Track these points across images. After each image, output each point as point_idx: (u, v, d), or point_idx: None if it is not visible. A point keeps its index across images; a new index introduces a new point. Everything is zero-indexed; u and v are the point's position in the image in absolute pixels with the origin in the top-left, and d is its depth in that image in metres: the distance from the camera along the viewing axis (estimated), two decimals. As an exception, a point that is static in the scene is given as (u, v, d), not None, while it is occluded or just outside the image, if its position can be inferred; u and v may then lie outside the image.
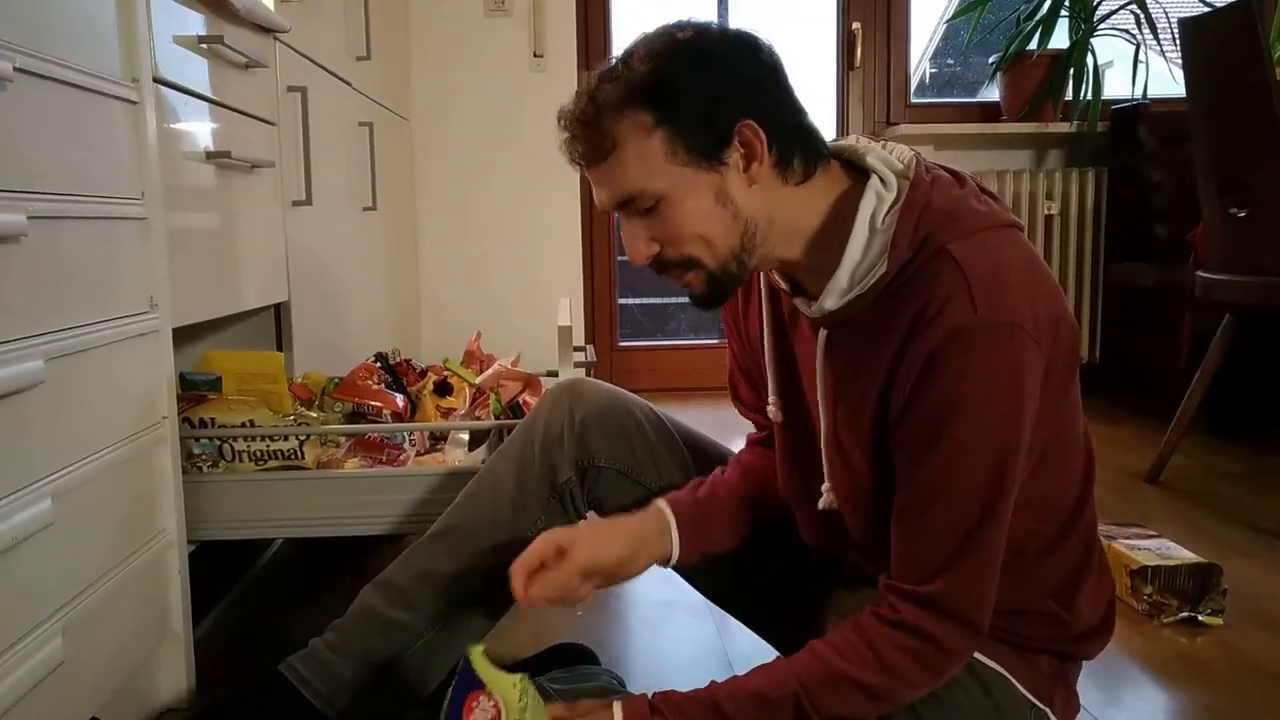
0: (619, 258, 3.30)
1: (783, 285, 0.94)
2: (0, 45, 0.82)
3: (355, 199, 2.07)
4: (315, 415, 1.33)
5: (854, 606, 0.89)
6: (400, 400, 1.42)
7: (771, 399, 1.00)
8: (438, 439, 1.46)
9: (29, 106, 0.86)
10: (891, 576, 0.85)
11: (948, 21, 3.53)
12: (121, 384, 1.04)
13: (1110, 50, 3.07)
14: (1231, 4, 1.94)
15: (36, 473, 0.87)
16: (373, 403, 1.39)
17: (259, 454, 1.25)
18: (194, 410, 1.24)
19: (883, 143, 0.89)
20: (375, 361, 1.51)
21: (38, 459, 0.88)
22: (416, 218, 2.89)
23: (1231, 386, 2.43)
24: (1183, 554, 1.48)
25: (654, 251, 0.87)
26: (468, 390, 1.51)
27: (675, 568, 1.04)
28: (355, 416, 1.38)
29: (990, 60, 3.21)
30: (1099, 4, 3.03)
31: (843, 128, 3.28)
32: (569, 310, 1.43)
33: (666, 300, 3.62)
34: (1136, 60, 2.97)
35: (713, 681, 0.89)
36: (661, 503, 1.02)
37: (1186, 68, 2.11)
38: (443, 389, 1.50)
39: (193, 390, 1.24)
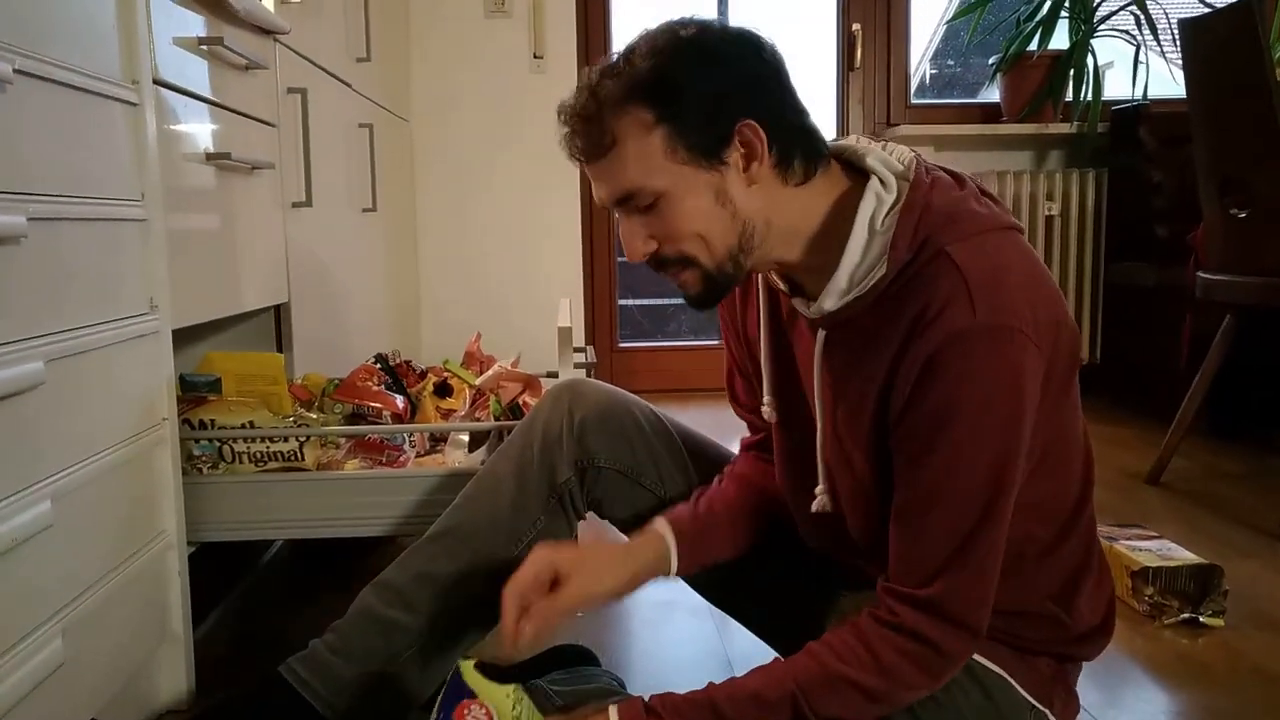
0: (619, 258, 3.30)
1: (781, 286, 0.94)
2: (0, 47, 0.82)
3: (355, 200, 2.07)
4: (315, 416, 1.33)
5: (854, 608, 0.89)
6: (400, 401, 1.42)
7: (766, 399, 1.00)
8: (438, 440, 1.46)
9: (29, 108, 0.86)
10: (889, 579, 0.85)
11: (948, 22, 3.54)
12: (121, 385, 1.04)
13: (1110, 51, 3.08)
14: (1231, 4, 1.94)
15: (36, 474, 0.87)
16: (373, 404, 1.39)
17: (259, 455, 1.25)
18: (194, 412, 1.24)
19: (883, 143, 0.89)
20: (375, 363, 1.51)
21: (38, 461, 0.88)
22: (416, 219, 2.89)
23: (1232, 387, 2.43)
24: (1184, 555, 1.48)
25: (651, 249, 0.87)
26: (468, 391, 1.51)
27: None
28: (355, 418, 1.38)
29: (990, 61, 3.21)
30: (1099, 5, 3.03)
31: (843, 128, 3.28)
32: (569, 311, 1.43)
33: (666, 301, 3.62)
34: (1136, 61, 2.97)
35: (711, 683, 0.89)
36: (660, 522, 1.02)
37: (1186, 68, 2.11)
38: (443, 390, 1.50)
39: (193, 391, 1.24)
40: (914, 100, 3.32)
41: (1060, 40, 3.05)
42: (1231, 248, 2.05)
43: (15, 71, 0.83)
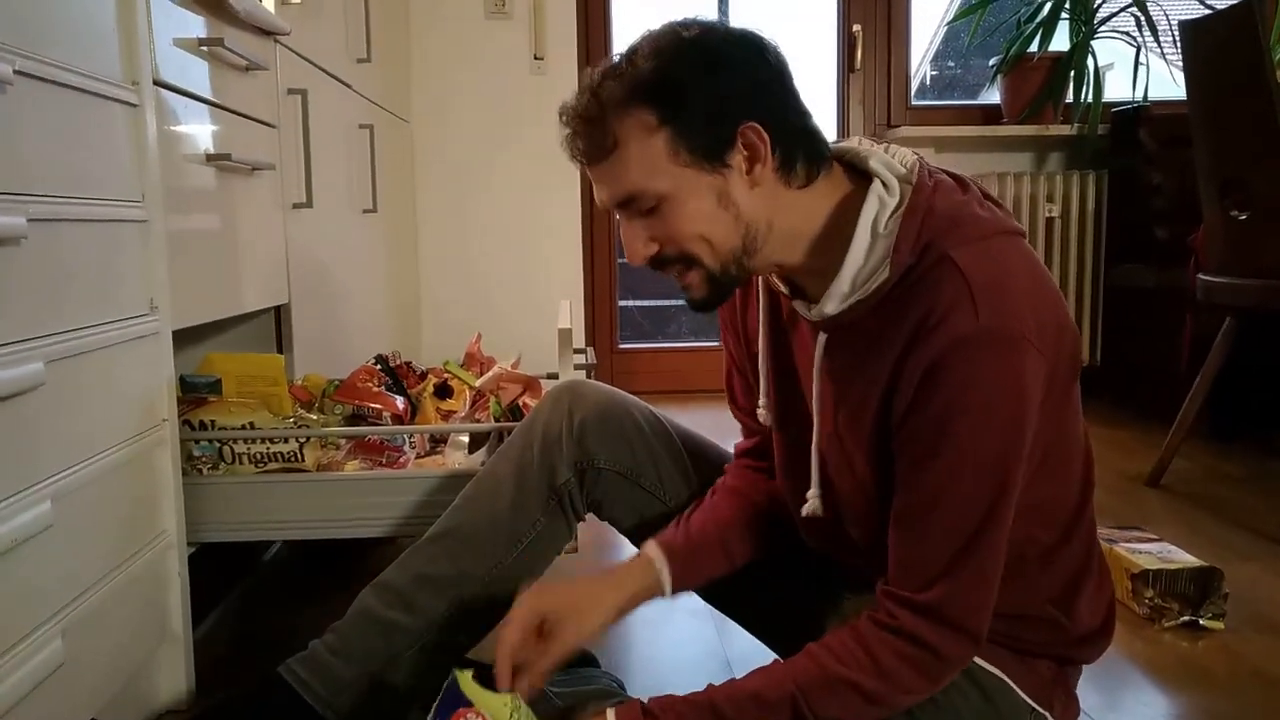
0: (619, 260, 3.30)
1: (781, 288, 0.94)
2: (1, 48, 0.82)
3: (355, 201, 2.07)
4: (315, 417, 1.33)
5: (855, 611, 0.89)
6: (400, 402, 1.42)
7: (762, 401, 1.00)
8: (438, 441, 1.46)
9: (29, 109, 0.87)
10: (889, 582, 0.85)
11: (948, 24, 3.54)
12: (122, 386, 1.04)
13: (1111, 53, 3.08)
14: (1232, 6, 1.94)
15: (37, 475, 0.87)
16: (373, 405, 1.39)
17: (259, 456, 1.25)
18: (194, 412, 1.24)
19: (885, 145, 0.89)
20: (375, 364, 1.51)
21: (38, 461, 0.88)
22: (417, 220, 2.89)
23: (1232, 389, 2.42)
24: (1184, 558, 1.48)
25: (652, 251, 0.87)
26: (468, 392, 1.51)
27: None
28: (355, 419, 1.38)
29: (991, 63, 3.21)
30: (1099, 6, 3.03)
31: (843, 130, 3.28)
32: (569, 312, 1.43)
33: (667, 302, 3.62)
34: (1137, 62, 2.97)
35: (710, 685, 0.89)
36: (651, 545, 1.02)
37: (1187, 70, 2.11)
38: (443, 391, 1.50)
39: (193, 392, 1.24)
40: (914, 102, 3.32)
41: (1061, 42, 3.05)
42: (1232, 249, 2.05)
43: (15, 72, 0.83)
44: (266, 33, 1.49)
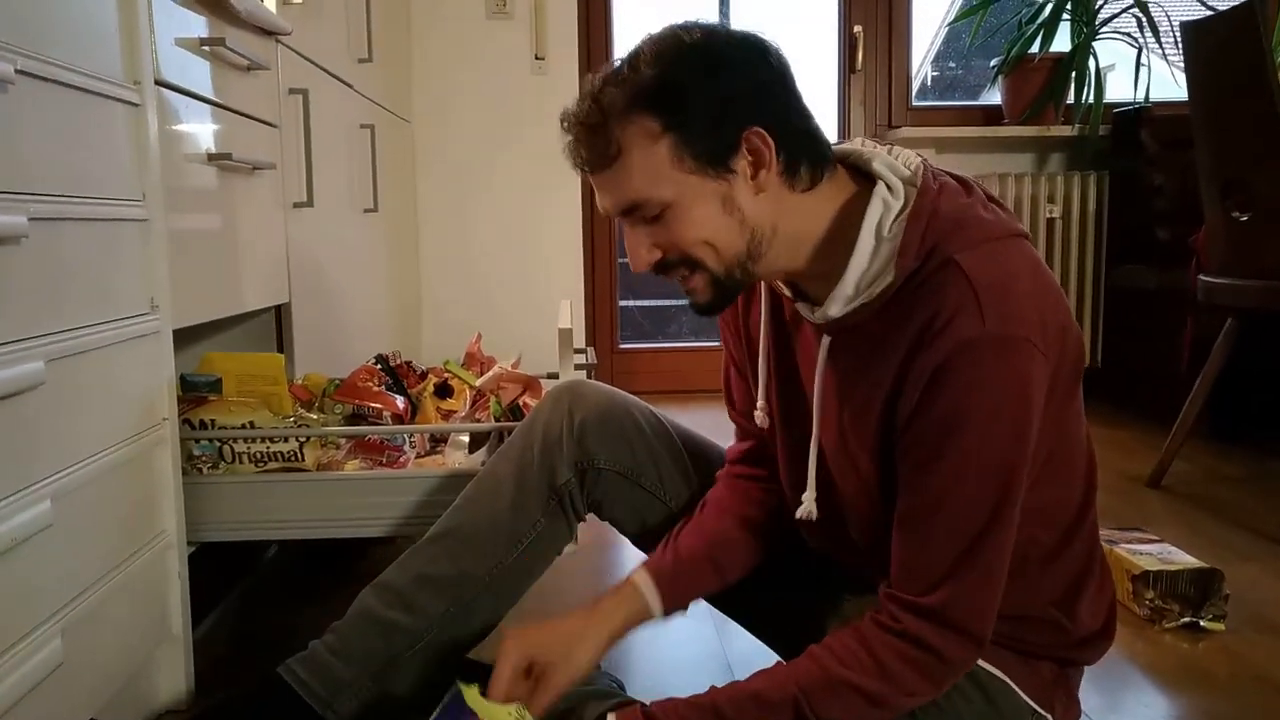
0: (620, 259, 3.30)
1: (784, 290, 0.93)
2: (2, 48, 0.82)
3: (356, 201, 2.07)
4: (315, 417, 1.33)
5: (857, 612, 0.89)
6: (400, 402, 1.42)
7: (760, 404, 1.00)
8: (438, 441, 1.46)
9: (30, 108, 0.86)
10: (892, 585, 0.85)
11: (949, 24, 3.53)
12: (122, 385, 1.04)
13: (1112, 53, 3.07)
14: (1233, 7, 1.94)
15: (36, 474, 0.87)
16: (373, 404, 1.38)
17: (259, 456, 1.25)
18: (194, 412, 1.24)
19: (888, 147, 0.89)
20: (376, 363, 1.51)
21: (38, 460, 0.88)
22: (418, 219, 2.89)
23: (1233, 391, 2.42)
24: (1184, 559, 1.48)
25: (656, 258, 0.86)
26: (468, 392, 1.51)
27: None
28: (355, 418, 1.38)
29: (992, 63, 3.21)
30: (1101, 7, 3.03)
31: (844, 131, 3.28)
32: (569, 312, 1.43)
33: (667, 302, 3.62)
34: (1138, 63, 2.97)
35: (713, 686, 0.89)
36: (639, 571, 1.02)
37: (1188, 71, 2.11)
38: (443, 391, 1.50)
39: (193, 392, 1.24)
40: (915, 102, 3.32)
41: (1062, 43, 3.05)
42: (1233, 251, 2.05)
43: (17, 72, 0.83)
44: (268, 32, 1.49)
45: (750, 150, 0.82)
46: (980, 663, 0.89)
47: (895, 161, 0.86)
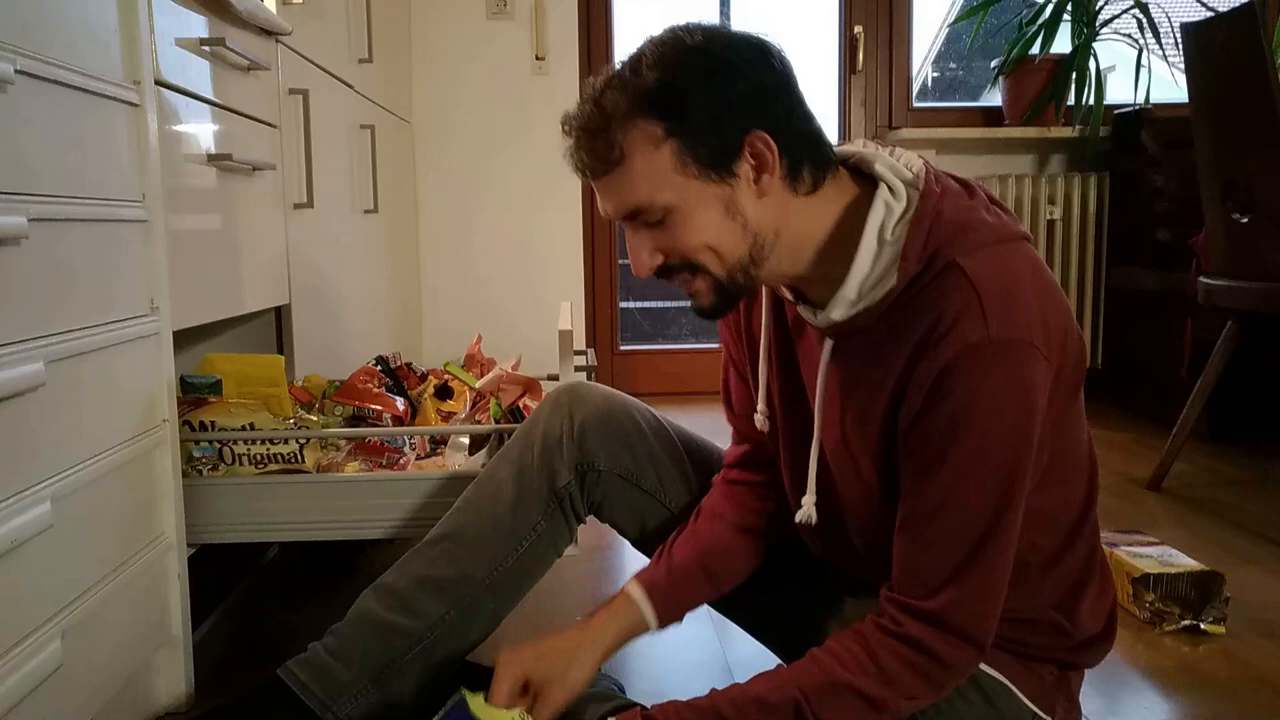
0: (620, 261, 3.30)
1: (786, 294, 0.93)
2: (2, 48, 0.82)
3: (356, 202, 2.07)
4: (315, 419, 1.33)
5: (857, 616, 0.89)
6: (401, 404, 1.41)
7: (760, 408, 0.99)
8: (438, 443, 1.46)
9: (30, 109, 0.86)
10: (894, 588, 0.85)
11: (950, 25, 3.53)
12: (122, 387, 1.04)
13: (1112, 55, 3.07)
14: (1234, 9, 1.94)
15: (36, 476, 0.87)
16: (373, 406, 1.38)
17: (259, 457, 1.25)
18: (194, 413, 1.24)
19: (889, 149, 0.88)
20: (376, 365, 1.51)
21: (37, 462, 0.87)
22: (418, 220, 2.89)
23: (1234, 393, 2.42)
24: (1185, 561, 1.48)
25: (658, 262, 0.86)
26: (468, 394, 1.51)
27: None
28: (355, 420, 1.38)
29: (992, 64, 3.21)
30: (1101, 8, 3.03)
31: (844, 131, 3.28)
32: (569, 314, 1.43)
33: (668, 304, 3.62)
34: (1139, 65, 2.97)
35: (713, 689, 0.89)
36: (632, 584, 1.02)
37: (1189, 72, 2.11)
38: (443, 393, 1.49)
39: (193, 393, 1.24)
40: (916, 103, 3.32)
41: (1062, 44, 3.05)
42: (1233, 252, 2.05)
43: (16, 72, 0.83)
44: (268, 33, 1.49)
45: (753, 154, 0.82)
46: (981, 665, 0.89)
47: (897, 163, 0.86)
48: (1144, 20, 2.97)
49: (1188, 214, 2.44)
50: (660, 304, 3.60)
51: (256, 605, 1.54)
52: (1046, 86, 3.06)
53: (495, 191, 2.91)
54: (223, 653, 1.35)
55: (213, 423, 1.24)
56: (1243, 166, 2.00)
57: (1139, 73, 2.97)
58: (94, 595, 0.97)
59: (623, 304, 3.39)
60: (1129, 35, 3.02)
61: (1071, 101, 3.06)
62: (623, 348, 3.39)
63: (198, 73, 1.25)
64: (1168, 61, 2.97)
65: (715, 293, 0.87)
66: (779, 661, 1.05)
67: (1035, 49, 3.03)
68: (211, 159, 1.28)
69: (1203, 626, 1.41)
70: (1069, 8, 3.02)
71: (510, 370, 1.60)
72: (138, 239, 1.08)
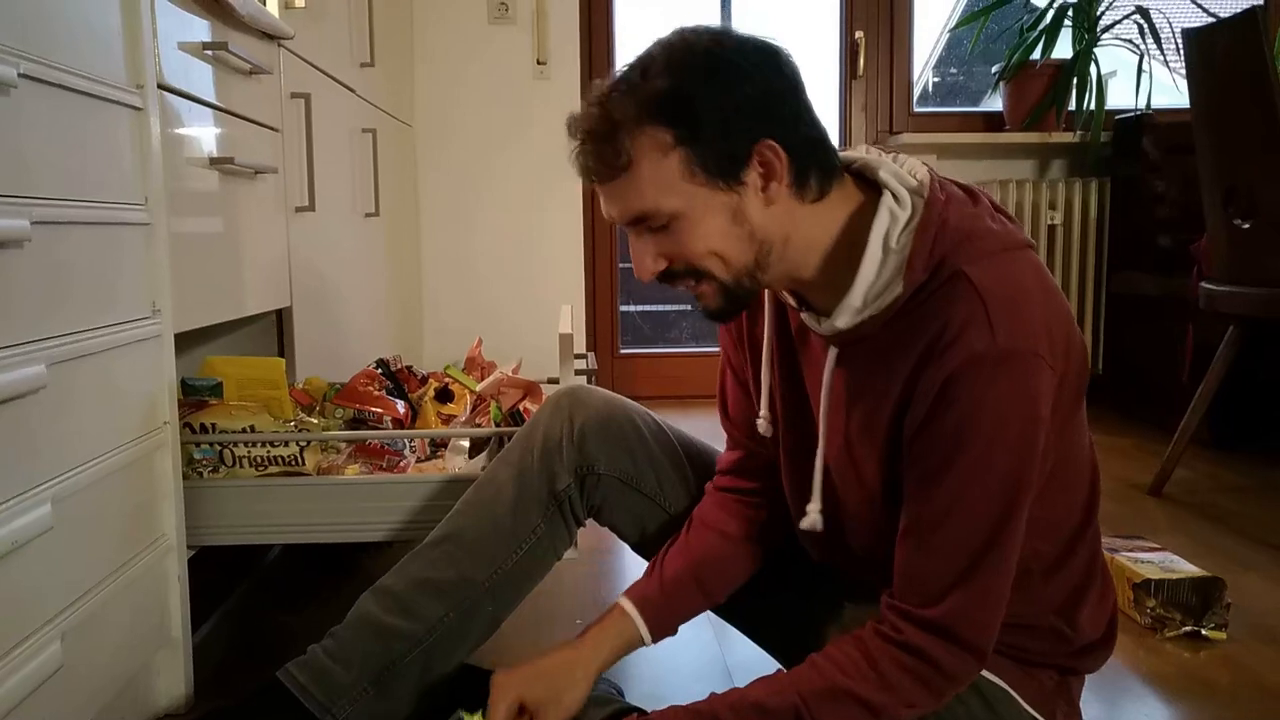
0: (620, 265, 3.31)
1: (789, 300, 0.93)
2: (5, 51, 0.82)
3: (358, 205, 2.07)
4: (316, 421, 1.33)
5: (857, 621, 0.89)
6: (401, 407, 1.42)
7: (762, 413, 0.99)
8: (438, 446, 1.46)
9: (33, 112, 0.87)
10: (894, 595, 0.85)
11: (951, 30, 3.54)
12: (123, 389, 1.04)
13: (1114, 60, 3.08)
14: (1236, 14, 1.95)
15: (37, 477, 0.87)
16: (374, 409, 1.38)
17: (260, 460, 1.25)
18: (195, 415, 1.24)
19: (893, 155, 0.88)
20: (376, 368, 1.51)
21: (38, 464, 0.87)
22: (419, 224, 2.89)
23: (1235, 399, 2.42)
24: (1186, 567, 1.48)
25: (662, 268, 0.86)
26: (469, 397, 1.51)
27: None
28: (356, 423, 1.38)
29: (993, 69, 3.22)
30: (1102, 14, 3.04)
31: (845, 137, 3.29)
32: (570, 317, 1.43)
33: (668, 308, 3.62)
34: (1140, 70, 2.98)
35: (712, 694, 0.89)
36: (625, 600, 1.03)
37: (1190, 78, 2.11)
38: (444, 396, 1.50)
39: (194, 395, 1.24)
40: (917, 108, 3.33)
41: (1063, 49, 3.06)
42: (1235, 258, 2.05)
43: (20, 75, 0.83)
44: (270, 37, 1.49)
45: (762, 163, 0.82)
46: (981, 671, 0.88)
47: (901, 170, 0.86)
48: (1145, 26, 2.97)
49: (1189, 219, 2.44)
50: (660, 308, 3.61)
51: (256, 607, 1.54)
52: (1048, 92, 3.06)
53: (496, 195, 2.91)
54: (222, 654, 1.35)
55: (213, 425, 1.24)
56: (1244, 172, 2.00)
57: (1140, 78, 2.97)
58: (94, 597, 0.97)
59: (623, 308, 3.40)
60: (1130, 41, 3.02)
61: (1073, 107, 3.06)
62: (623, 351, 3.39)
63: (200, 76, 1.25)
64: (1169, 67, 2.97)
65: (722, 296, 0.86)
66: (779, 665, 1.05)
67: (1036, 54, 3.03)
68: (213, 162, 1.28)
69: (1204, 632, 1.41)
70: (1070, 13, 3.02)
71: (511, 374, 1.60)
72: (140, 242, 1.08)
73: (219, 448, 1.24)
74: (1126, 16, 3.01)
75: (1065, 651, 0.93)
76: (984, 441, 0.78)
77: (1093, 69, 3.02)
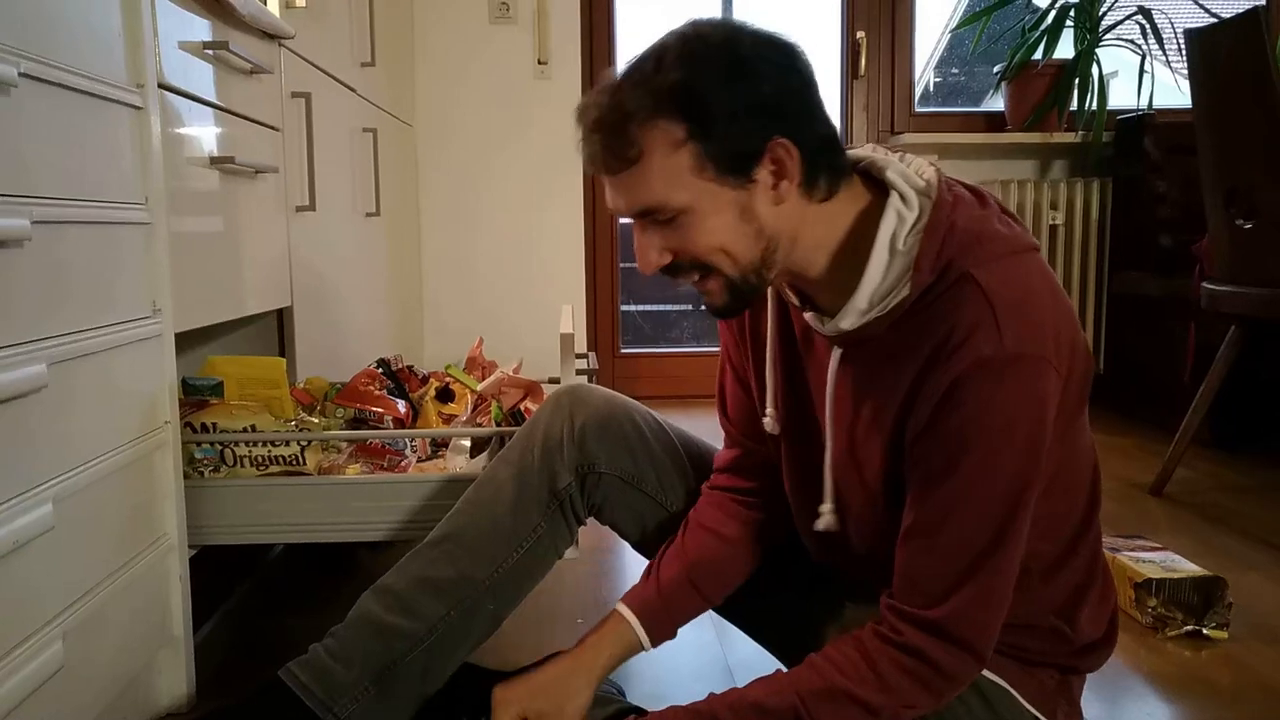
0: (621, 265, 3.31)
1: (793, 299, 0.93)
2: (6, 51, 0.82)
3: (358, 205, 2.07)
4: (317, 421, 1.33)
5: (857, 621, 0.89)
6: (402, 406, 1.42)
7: (769, 411, 0.99)
8: (439, 446, 1.46)
9: (34, 111, 0.87)
10: (894, 596, 0.85)
11: (952, 30, 3.54)
12: (124, 388, 1.04)
13: (1115, 60, 3.07)
14: (1238, 15, 1.94)
15: (38, 477, 0.87)
16: (374, 409, 1.38)
17: (260, 459, 1.25)
18: (196, 415, 1.24)
19: (900, 155, 0.88)
20: (377, 367, 1.51)
21: (39, 463, 0.87)
22: (419, 223, 2.89)
23: (1236, 398, 2.42)
24: (1187, 567, 1.48)
25: (666, 261, 0.85)
26: (470, 397, 1.51)
27: None
28: (357, 422, 1.38)
29: (995, 70, 3.21)
30: (1104, 14, 3.03)
31: (847, 137, 3.28)
32: (571, 317, 1.43)
33: (669, 307, 3.62)
34: (1142, 70, 2.97)
35: (711, 694, 0.89)
36: (622, 607, 1.03)
37: (1192, 78, 2.11)
38: (445, 395, 1.50)
39: (195, 395, 1.24)
40: (918, 108, 3.32)
41: (1065, 49, 3.06)
42: (1237, 258, 2.05)
43: (20, 75, 0.83)
44: (271, 36, 1.49)
45: (774, 160, 0.81)
46: (981, 671, 0.88)
47: (909, 171, 0.85)
48: (1147, 26, 2.97)
49: (1190, 220, 2.44)
50: (661, 307, 3.61)
51: (257, 607, 1.55)
52: (1049, 92, 3.06)
53: (497, 194, 2.91)
54: (224, 654, 1.35)
55: (214, 424, 1.24)
56: (1246, 172, 1.99)
57: (1142, 78, 2.97)
58: (95, 596, 0.97)
59: (624, 307, 3.40)
60: (1132, 41, 3.02)
61: (1074, 107, 3.06)
62: (624, 351, 3.39)
63: (200, 76, 1.25)
64: (1170, 67, 2.97)
65: (729, 292, 0.86)
66: (779, 665, 1.05)
67: (1038, 54, 3.03)
68: (214, 162, 1.28)
69: (1205, 632, 1.41)
70: (1072, 14, 3.02)
71: (512, 373, 1.60)
72: (140, 241, 1.08)
73: (220, 447, 1.24)
74: (1129, 17, 3.00)
75: (1066, 651, 0.93)
76: (990, 443, 0.78)
77: (1094, 69, 3.02)
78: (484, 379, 1.59)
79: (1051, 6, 3.03)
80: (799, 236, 0.84)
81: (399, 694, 1.03)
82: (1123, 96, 3.09)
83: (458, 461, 1.38)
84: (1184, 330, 2.63)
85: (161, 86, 1.12)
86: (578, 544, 1.12)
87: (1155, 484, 2.16)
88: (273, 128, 1.51)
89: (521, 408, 1.47)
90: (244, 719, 1.02)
